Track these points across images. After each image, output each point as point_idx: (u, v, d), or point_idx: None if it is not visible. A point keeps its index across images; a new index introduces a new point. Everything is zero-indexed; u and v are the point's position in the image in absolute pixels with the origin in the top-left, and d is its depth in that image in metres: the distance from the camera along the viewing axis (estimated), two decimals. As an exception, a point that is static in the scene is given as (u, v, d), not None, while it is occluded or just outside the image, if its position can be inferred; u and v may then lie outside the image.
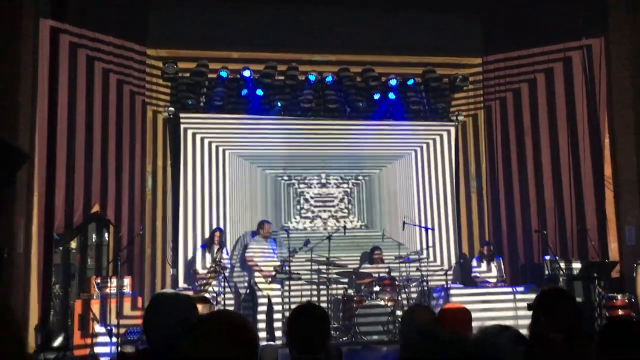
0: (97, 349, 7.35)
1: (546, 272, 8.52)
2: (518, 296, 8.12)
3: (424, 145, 10.38)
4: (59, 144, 7.85)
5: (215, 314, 1.60)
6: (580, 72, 9.31)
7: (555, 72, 9.59)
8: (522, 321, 5.22)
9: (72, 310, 7.75)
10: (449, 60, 10.35)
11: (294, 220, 9.84)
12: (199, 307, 2.47)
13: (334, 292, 8.98)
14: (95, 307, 7.61)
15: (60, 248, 8.38)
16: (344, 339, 8.00)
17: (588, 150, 9.18)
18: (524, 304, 7.62)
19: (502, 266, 9.28)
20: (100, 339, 7.39)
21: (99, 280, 7.80)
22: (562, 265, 8.27)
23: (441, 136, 10.44)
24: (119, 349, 6.87)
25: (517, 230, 9.78)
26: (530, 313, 2.89)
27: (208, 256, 8.58)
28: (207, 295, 7.64)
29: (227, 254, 8.83)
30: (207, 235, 9.12)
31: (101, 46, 8.61)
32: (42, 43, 7.63)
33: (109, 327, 7.38)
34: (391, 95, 10.06)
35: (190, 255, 9.20)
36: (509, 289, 8.39)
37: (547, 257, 8.62)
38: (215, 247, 8.51)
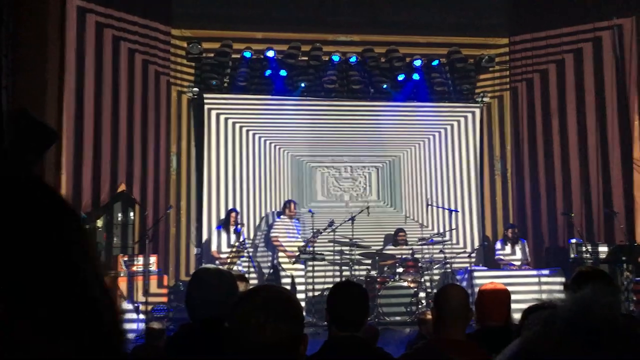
0: (124, 326, 7.48)
1: (571, 256, 8.45)
2: (543, 279, 8.07)
3: (449, 127, 10.28)
4: (85, 123, 7.93)
5: (263, 288, 1.61)
6: (610, 52, 9.13)
7: (585, 53, 9.41)
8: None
9: (100, 287, 7.86)
10: (475, 40, 10.19)
11: (317, 201, 9.85)
12: (239, 285, 2.49)
13: (357, 273, 8.99)
14: (122, 284, 7.72)
15: (87, 226, 8.50)
16: (367, 319, 8.03)
17: (617, 132, 9.04)
18: (549, 287, 7.65)
19: (527, 249, 9.22)
20: (127, 316, 7.51)
21: (126, 259, 7.91)
22: (589, 248, 8.18)
23: (466, 118, 10.33)
24: (146, 325, 6.97)
25: (541, 213, 9.69)
26: (562, 296, 2.87)
27: (225, 237, 8.58)
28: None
29: (242, 234, 8.69)
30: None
31: (127, 26, 8.63)
32: (68, 23, 7.65)
33: (136, 304, 7.50)
34: (416, 76, 9.95)
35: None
36: (534, 272, 8.34)
37: (573, 240, 8.54)
38: (232, 228, 8.52)
